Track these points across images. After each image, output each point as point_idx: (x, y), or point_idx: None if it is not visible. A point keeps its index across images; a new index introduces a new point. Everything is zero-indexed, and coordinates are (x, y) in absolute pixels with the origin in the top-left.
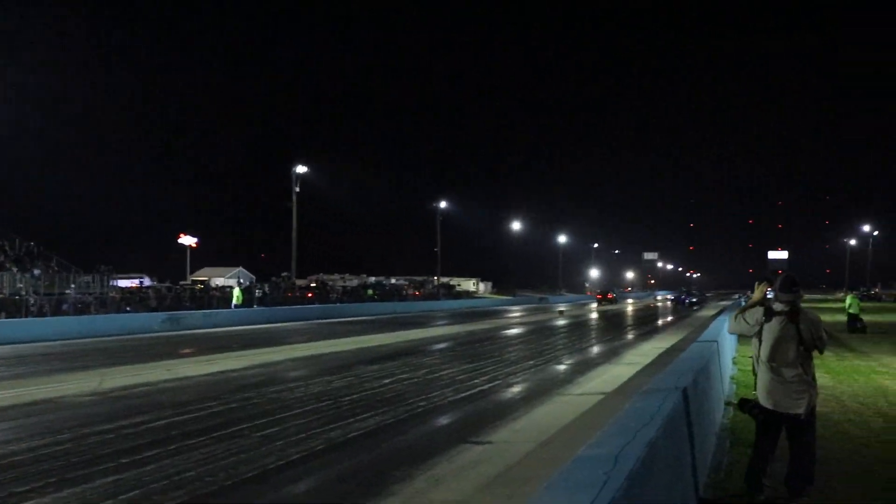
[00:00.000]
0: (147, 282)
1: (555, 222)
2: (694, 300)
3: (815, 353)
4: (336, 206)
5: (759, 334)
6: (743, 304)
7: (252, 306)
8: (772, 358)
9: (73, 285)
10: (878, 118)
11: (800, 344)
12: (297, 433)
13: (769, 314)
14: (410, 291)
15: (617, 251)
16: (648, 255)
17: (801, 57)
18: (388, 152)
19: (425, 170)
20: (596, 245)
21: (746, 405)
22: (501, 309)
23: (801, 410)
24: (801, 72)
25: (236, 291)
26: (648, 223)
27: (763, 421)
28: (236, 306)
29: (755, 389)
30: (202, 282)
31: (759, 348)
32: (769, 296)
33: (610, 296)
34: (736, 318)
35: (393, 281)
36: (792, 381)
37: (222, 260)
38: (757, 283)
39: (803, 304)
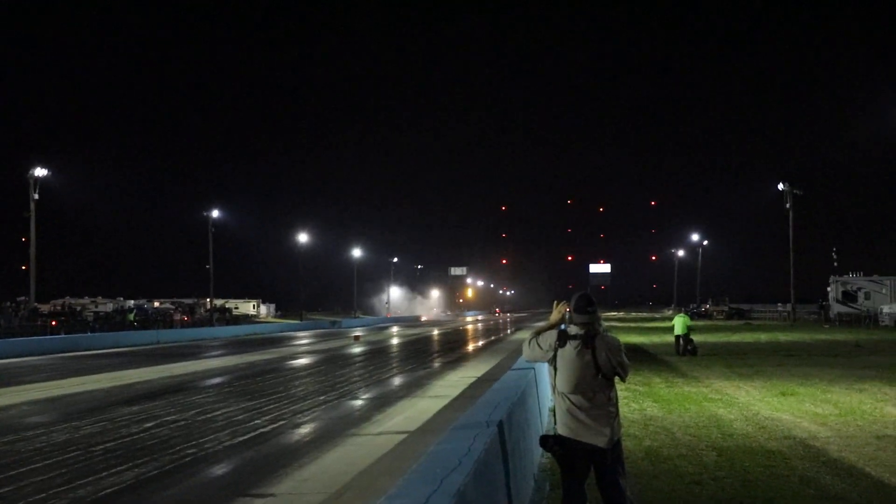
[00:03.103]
0: None
1: (347, 234)
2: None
3: (619, 381)
4: (84, 216)
5: (553, 361)
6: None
7: None
8: (568, 387)
9: None
10: (703, 117)
11: (597, 371)
12: (36, 493)
13: (563, 338)
14: (178, 317)
15: (420, 266)
16: (456, 271)
17: (610, 56)
18: (144, 152)
19: (192, 174)
20: (395, 259)
21: (547, 441)
22: (287, 335)
23: (602, 442)
24: (615, 69)
25: None
26: (455, 234)
27: (563, 456)
28: None
29: (555, 423)
30: None
31: (556, 377)
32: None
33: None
34: (529, 343)
35: (156, 305)
36: (591, 411)
37: None
38: (556, 303)
39: (619, 324)
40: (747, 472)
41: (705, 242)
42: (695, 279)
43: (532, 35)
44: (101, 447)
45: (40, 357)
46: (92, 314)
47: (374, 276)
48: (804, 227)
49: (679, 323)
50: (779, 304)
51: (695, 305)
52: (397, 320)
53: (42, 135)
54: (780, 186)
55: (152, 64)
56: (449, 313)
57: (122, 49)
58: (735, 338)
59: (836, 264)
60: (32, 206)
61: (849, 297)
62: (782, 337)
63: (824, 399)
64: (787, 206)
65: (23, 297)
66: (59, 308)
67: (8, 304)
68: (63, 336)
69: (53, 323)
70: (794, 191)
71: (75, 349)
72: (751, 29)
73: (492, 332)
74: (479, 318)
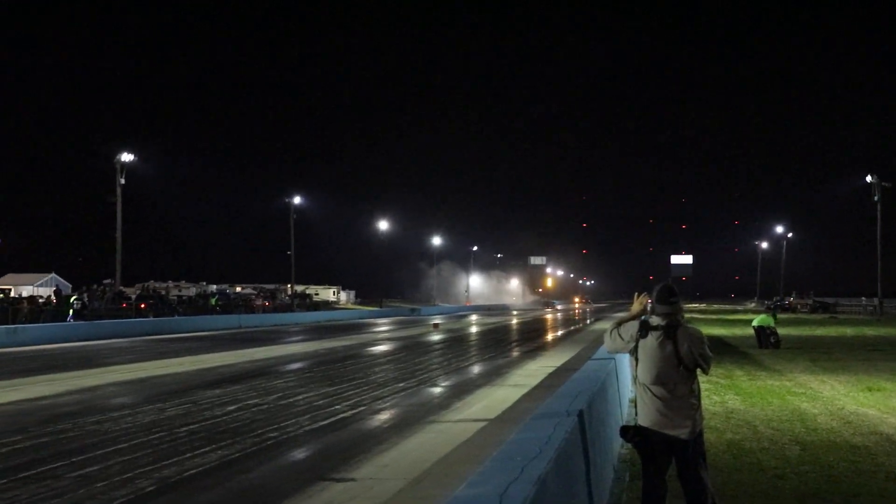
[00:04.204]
0: None
1: (428, 224)
2: None
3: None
4: (168, 202)
5: (634, 351)
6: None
7: (68, 320)
8: (649, 378)
9: None
10: (791, 109)
11: (679, 362)
12: (122, 472)
13: (644, 329)
14: (259, 302)
15: (500, 255)
16: (535, 260)
17: (700, 48)
18: (229, 139)
19: (275, 162)
20: (475, 248)
21: (627, 432)
22: (367, 322)
23: (683, 434)
24: (703, 61)
25: (73, 299)
26: (536, 223)
27: (644, 447)
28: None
29: (636, 413)
30: (5, 291)
31: (637, 367)
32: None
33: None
34: (611, 333)
35: (238, 290)
36: (673, 403)
37: (30, 265)
38: (637, 294)
39: (700, 315)
40: (831, 467)
41: (790, 235)
42: (778, 271)
43: (621, 33)
44: (185, 429)
45: (125, 339)
46: (175, 298)
47: (454, 263)
48: (892, 220)
49: (762, 318)
50: (863, 299)
51: (778, 298)
52: (476, 308)
53: (126, 121)
54: (868, 178)
55: (242, 54)
56: (545, 300)
57: (208, 41)
58: (819, 331)
59: None
60: (119, 190)
61: None
62: (869, 331)
63: None
64: (875, 198)
65: (108, 280)
66: (146, 292)
67: (95, 286)
68: (146, 319)
69: (143, 306)
70: (883, 183)
71: (158, 332)
72: (840, 21)
73: (570, 322)
74: (559, 307)
